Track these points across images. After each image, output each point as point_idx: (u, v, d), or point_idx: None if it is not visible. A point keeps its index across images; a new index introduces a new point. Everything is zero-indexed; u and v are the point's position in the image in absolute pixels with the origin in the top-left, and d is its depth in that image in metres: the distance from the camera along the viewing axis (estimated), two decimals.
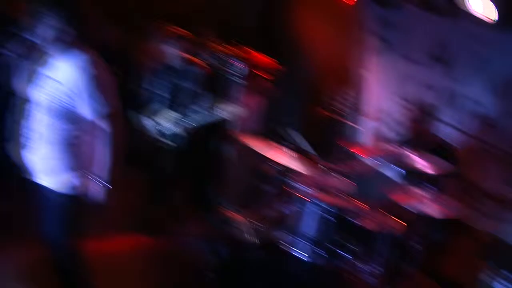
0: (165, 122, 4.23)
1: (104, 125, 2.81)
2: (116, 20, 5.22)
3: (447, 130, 4.31)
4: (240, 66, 4.56)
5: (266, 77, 4.86)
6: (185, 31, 4.29)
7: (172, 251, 4.00)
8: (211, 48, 4.77)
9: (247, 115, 4.60)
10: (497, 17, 3.62)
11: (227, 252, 3.55)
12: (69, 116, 2.78)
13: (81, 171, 2.86)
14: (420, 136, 4.03)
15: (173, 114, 4.22)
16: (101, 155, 2.84)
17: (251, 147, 3.73)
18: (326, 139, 5.01)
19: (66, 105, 2.74)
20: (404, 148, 3.46)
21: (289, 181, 3.72)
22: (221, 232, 3.73)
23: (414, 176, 3.99)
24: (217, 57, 4.57)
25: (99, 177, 2.85)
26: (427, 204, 3.48)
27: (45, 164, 2.85)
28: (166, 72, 4.29)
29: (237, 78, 4.58)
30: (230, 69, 4.60)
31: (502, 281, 3.35)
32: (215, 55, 4.60)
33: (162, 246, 4.07)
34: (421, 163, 3.31)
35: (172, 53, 4.23)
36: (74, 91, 2.72)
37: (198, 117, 4.17)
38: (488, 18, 3.68)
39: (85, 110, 2.77)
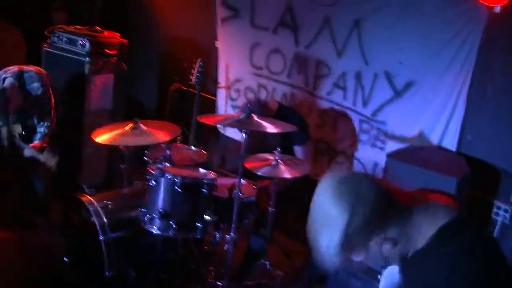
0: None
1: None
2: None
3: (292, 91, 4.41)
4: (85, 44, 4.35)
5: (115, 54, 4.66)
6: None
7: (35, 244, 3.75)
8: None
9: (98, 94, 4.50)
10: None
11: (83, 236, 3.41)
12: None
13: None
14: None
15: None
16: None
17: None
18: (183, 112, 4.92)
19: None
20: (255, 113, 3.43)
21: (145, 158, 3.62)
22: (79, 218, 3.53)
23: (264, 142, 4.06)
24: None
25: None
26: (279, 167, 3.53)
27: None
28: None
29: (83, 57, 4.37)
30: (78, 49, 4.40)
31: None
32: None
33: (26, 239, 3.75)
34: (269, 127, 3.30)
35: None
36: None
37: None
38: None
39: None
